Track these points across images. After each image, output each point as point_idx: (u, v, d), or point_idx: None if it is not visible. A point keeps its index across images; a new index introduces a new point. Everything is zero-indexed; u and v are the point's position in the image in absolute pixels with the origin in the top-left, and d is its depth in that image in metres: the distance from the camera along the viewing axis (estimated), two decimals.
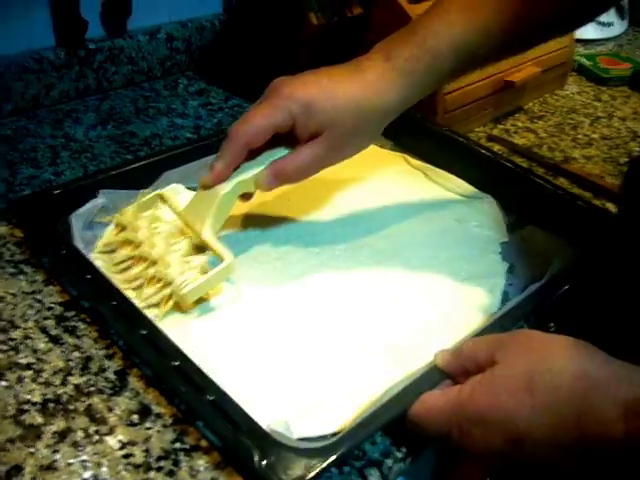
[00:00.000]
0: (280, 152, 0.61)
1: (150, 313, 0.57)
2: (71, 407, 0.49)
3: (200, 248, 0.60)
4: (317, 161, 0.61)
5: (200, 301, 0.59)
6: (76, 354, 0.54)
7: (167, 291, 0.57)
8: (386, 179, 0.81)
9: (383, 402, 0.48)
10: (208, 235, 0.59)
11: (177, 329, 0.55)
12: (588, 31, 1.37)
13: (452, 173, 0.82)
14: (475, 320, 0.60)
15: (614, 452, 0.40)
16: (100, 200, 0.66)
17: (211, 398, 0.47)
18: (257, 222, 0.71)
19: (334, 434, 0.49)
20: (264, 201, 0.72)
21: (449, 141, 0.82)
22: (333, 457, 0.44)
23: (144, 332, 0.52)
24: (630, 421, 0.40)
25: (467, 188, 0.80)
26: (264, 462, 0.43)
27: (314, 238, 0.69)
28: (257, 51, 0.92)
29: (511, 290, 0.66)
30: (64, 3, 0.85)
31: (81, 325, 0.56)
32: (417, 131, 0.86)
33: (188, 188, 0.72)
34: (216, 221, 0.61)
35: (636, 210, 0.69)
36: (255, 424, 0.46)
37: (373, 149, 0.87)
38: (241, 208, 0.69)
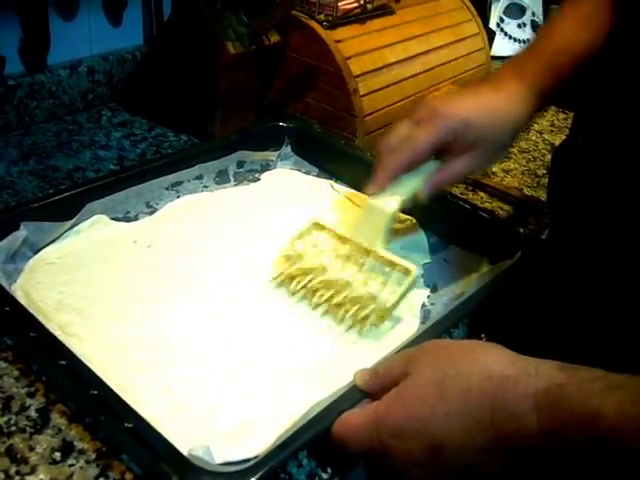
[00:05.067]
0: (430, 164, 0.67)
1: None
2: None
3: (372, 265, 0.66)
4: (469, 171, 0.69)
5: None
6: None
7: (369, 309, 0.62)
8: (312, 206, 0.82)
9: (303, 423, 0.49)
10: (386, 252, 0.66)
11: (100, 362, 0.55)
12: (504, 47, 1.42)
13: None
14: (396, 340, 0.62)
15: (532, 446, 0.41)
16: (22, 233, 0.65)
17: (130, 425, 0.47)
18: (195, 253, 0.71)
19: (257, 457, 0.49)
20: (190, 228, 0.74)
21: (372, 166, 0.83)
22: (252, 479, 0.44)
23: (63, 362, 0.51)
24: (542, 411, 0.41)
25: None
26: None
27: (236, 265, 0.70)
28: (179, 81, 0.93)
29: (432, 309, 0.68)
30: None
31: (2, 364, 0.56)
32: (341, 157, 0.88)
33: (112, 219, 0.73)
34: (387, 237, 0.67)
35: (562, 212, 0.72)
36: (174, 449, 0.46)
37: (299, 176, 0.88)
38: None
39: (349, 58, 0.89)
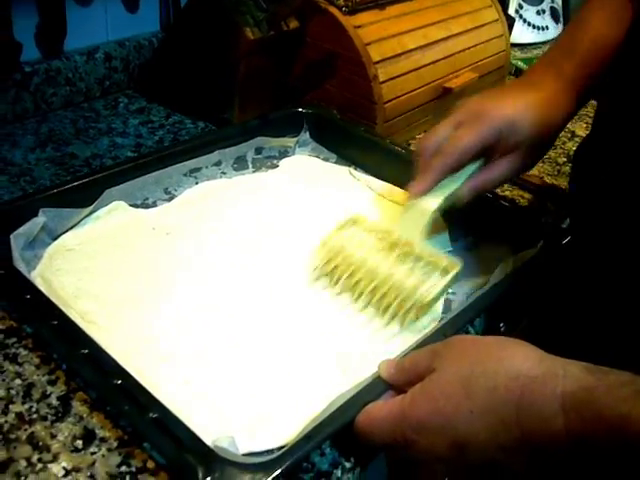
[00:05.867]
0: (473, 165, 0.66)
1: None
2: (12, 436, 0.48)
3: (414, 259, 0.64)
4: (512, 173, 0.67)
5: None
6: (17, 382, 0.53)
7: (409, 301, 0.61)
8: (331, 192, 0.81)
9: (328, 414, 0.48)
10: (428, 248, 0.64)
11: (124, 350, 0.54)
12: (523, 35, 1.41)
13: (396, 185, 0.82)
14: (417, 329, 0.61)
15: (558, 447, 0.41)
16: (41, 219, 0.65)
17: (154, 416, 0.46)
18: (215, 240, 0.71)
19: (281, 448, 0.48)
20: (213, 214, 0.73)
21: (391, 153, 0.83)
22: (278, 471, 0.44)
23: (85, 351, 0.51)
24: (568, 414, 0.40)
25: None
26: (208, 479, 0.43)
27: (257, 252, 0.69)
28: (196, 67, 0.92)
29: (454, 298, 0.67)
30: None
31: (23, 351, 0.55)
32: (361, 143, 0.87)
33: (131, 205, 0.73)
34: (428, 232, 0.66)
35: (585, 203, 0.71)
36: (199, 440, 0.45)
37: (318, 163, 0.88)
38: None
39: (369, 44, 0.87)
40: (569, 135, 1.07)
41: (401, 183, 0.81)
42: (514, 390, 0.43)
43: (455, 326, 0.59)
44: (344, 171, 0.86)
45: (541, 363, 0.44)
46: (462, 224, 0.77)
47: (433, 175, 0.64)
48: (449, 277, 0.62)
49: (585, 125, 1.11)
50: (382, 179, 0.84)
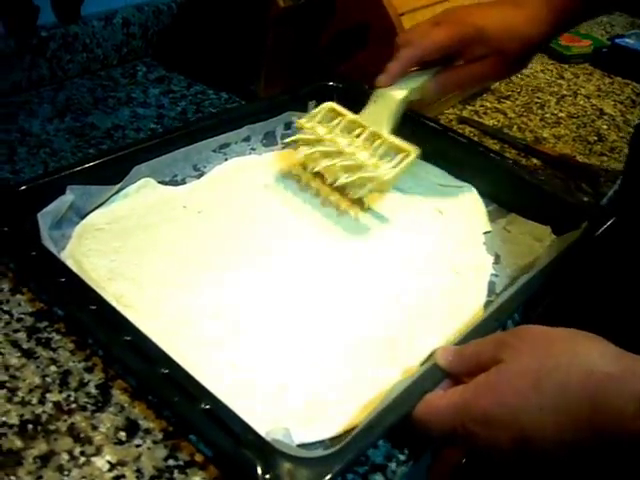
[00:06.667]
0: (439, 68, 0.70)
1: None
2: (52, 427, 0.46)
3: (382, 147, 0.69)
4: (483, 78, 0.71)
5: None
6: (53, 368, 0.50)
7: (370, 177, 0.67)
8: None
9: (386, 404, 0.46)
10: (390, 134, 0.69)
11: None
12: None
13: (429, 161, 0.79)
14: (464, 312, 0.59)
15: (630, 449, 0.39)
16: (69, 197, 0.62)
17: (206, 407, 0.44)
18: (250, 219, 0.68)
19: (333, 438, 0.47)
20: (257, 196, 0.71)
21: (425, 129, 0.80)
22: (340, 465, 0.42)
23: (128, 338, 0.48)
24: None
25: (446, 177, 0.78)
26: (268, 475, 0.41)
27: (293, 233, 0.67)
28: (219, 35, 0.88)
29: (497, 281, 0.65)
30: None
31: (55, 336, 0.53)
32: None
33: (159, 182, 0.70)
34: (394, 122, 0.70)
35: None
36: (255, 433, 0.43)
37: None
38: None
39: (402, 14, 0.84)
40: (597, 113, 1.04)
41: (432, 158, 0.79)
42: (588, 387, 0.41)
43: (507, 311, 0.57)
44: None
45: (619, 360, 0.42)
46: (500, 202, 0.75)
47: (400, 65, 0.68)
48: (406, 162, 0.67)
49: (613, 103, 1.08)
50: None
